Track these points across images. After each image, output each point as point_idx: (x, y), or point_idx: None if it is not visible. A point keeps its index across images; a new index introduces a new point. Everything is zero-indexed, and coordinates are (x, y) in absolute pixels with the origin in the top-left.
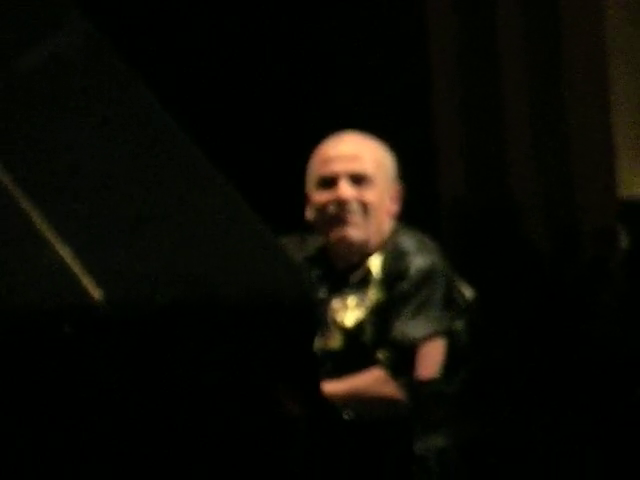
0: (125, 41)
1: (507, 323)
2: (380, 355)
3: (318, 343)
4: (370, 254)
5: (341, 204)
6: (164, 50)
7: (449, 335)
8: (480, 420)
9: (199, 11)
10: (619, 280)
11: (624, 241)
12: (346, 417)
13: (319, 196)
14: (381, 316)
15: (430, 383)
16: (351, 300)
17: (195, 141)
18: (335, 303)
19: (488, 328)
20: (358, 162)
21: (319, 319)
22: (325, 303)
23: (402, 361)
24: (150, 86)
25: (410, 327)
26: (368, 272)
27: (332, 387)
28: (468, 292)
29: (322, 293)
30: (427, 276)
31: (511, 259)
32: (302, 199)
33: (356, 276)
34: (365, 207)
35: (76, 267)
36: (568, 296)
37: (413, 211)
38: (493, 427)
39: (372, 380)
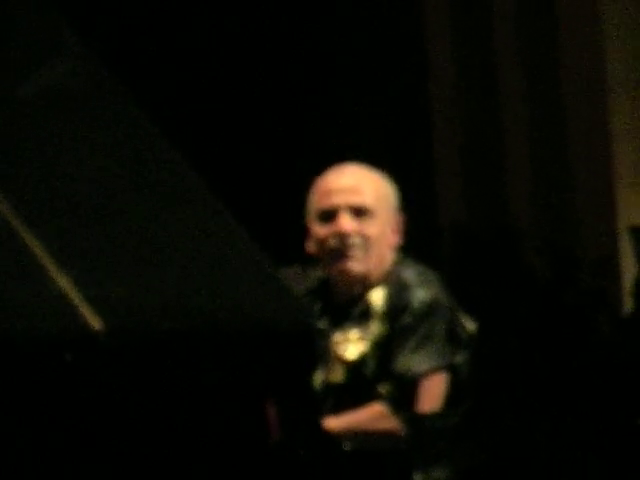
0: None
1: (506, 349)
2: (382, 389)
3: (320, 376)
4: (372, 287)
5: (342, 237)
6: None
7: (451, 369)
8: (480, 449)
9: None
10: (626, 308)
11: (634, 268)
12: (345, 448)
13: (319, 229)
14: (383, 350)
15: (431, 417)
16: (353, 333)
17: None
18: (337, 336)
19: (487, 354)
20: (358, 195)
21: (319, 348)
22: (326, 335)
23: (404, 395)
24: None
25: (412, 361)
26: (370, 305)
27: (332, 423)
28: (470, 325)
29: (323, 325)
30: (429, 310)
31: (510, 286)
32: (301, 223)
33: (358, 309)
34: (366, 240)
35: (76, 297)
36: (567, 324)
37: (413, 238)
38: (493, 456)
39: (372, 416)
